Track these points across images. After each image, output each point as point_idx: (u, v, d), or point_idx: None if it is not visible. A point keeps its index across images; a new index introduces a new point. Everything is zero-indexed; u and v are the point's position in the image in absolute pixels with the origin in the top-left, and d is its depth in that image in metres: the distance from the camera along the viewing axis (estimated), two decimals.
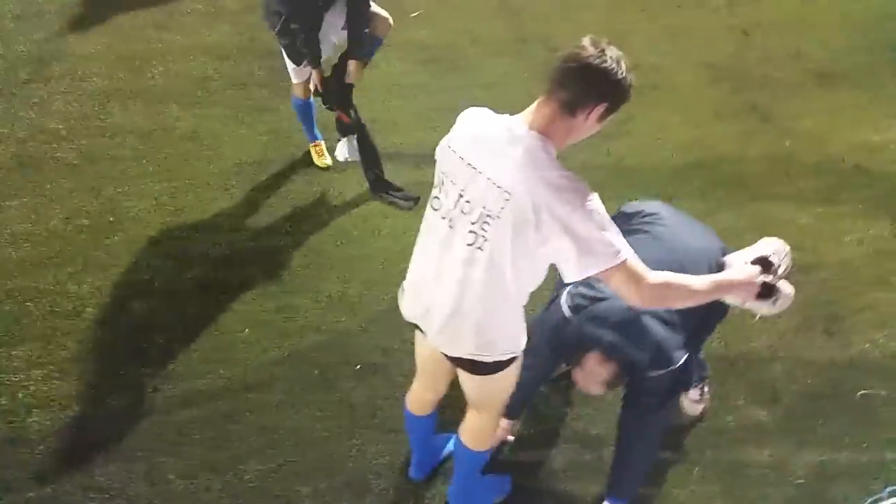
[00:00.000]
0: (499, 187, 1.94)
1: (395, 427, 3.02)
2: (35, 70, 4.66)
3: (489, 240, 1.98)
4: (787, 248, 2.52)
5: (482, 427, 2.51)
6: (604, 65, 1.92)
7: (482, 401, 2.43)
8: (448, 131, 2.11)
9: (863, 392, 3.38)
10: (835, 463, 3.12)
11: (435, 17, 5.79)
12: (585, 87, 1.92)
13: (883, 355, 3.57)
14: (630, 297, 1.96)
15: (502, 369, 2.22)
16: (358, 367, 3.27)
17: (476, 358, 2.17)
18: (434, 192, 2.13)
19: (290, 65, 3.88)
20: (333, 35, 3.80)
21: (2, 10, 5.10)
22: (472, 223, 2.00)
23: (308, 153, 4.30)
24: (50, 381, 3.10)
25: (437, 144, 2.09)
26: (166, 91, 4.63)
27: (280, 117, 4.53)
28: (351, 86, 3.88)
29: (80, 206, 3.81)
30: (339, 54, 3.85)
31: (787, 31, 6.23)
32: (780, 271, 2.41)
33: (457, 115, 2.15)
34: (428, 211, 2.15)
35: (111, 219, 3.77)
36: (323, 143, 4.29)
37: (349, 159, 4.05)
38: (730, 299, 2.40)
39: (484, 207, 1.97)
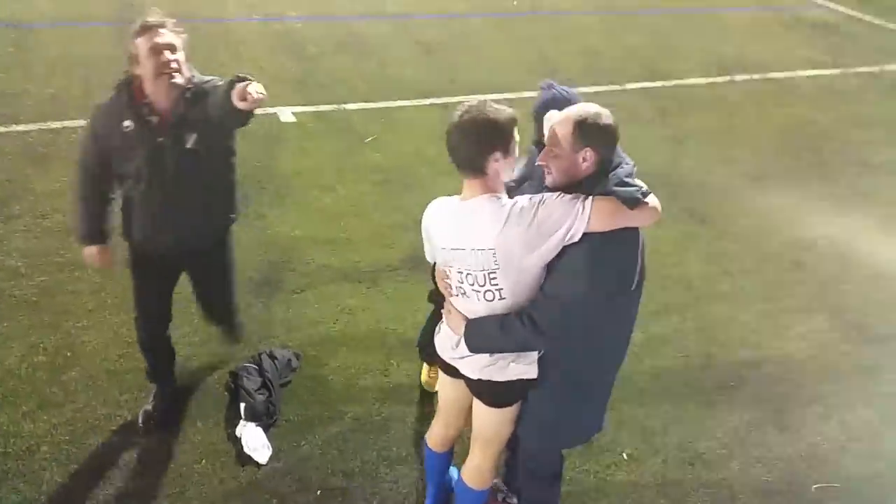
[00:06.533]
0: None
1: None
2: None
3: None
4: None
5: (481, 466, 2.78)
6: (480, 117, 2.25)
7: (488, 435, 2.69)
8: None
9: (817, 486, 3.45)
10: None
11: (387, 141, 6.13)
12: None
13: (833, 448, 3.67)
14: None
15: (512, 403, 2.58)
16: (318, 492, 3.25)
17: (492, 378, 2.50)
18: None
19: None
20: None
21: None
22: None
23: None
24: None
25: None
26: None
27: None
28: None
29: (38, 343, 3.82)
30: None
31: (717, 138, 6.70)
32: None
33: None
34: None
35: (68, 354, 3.77)
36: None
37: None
38: None
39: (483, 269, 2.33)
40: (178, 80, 2.82)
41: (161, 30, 2.80)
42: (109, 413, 3.48)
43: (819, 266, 5.04)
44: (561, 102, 2.64)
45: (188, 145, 2.90)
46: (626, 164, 2.35)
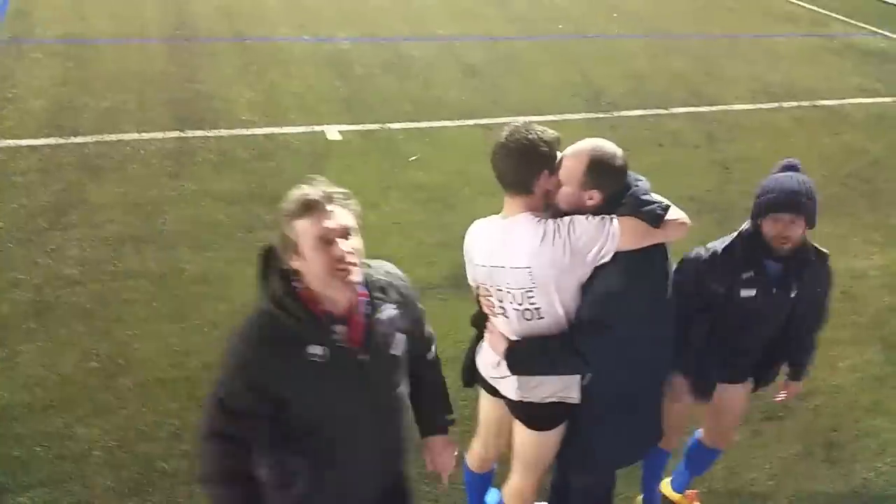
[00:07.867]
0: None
1: None
2: (53, 218, 4.92)
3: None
4: None
5: (522, 489, 2.75)
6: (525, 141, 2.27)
7: (528, 459, 2.66)
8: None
9: None
10: None
11: (431, 160, 6.18)
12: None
13: (887, 484, 3.57)
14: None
15: (553, 426, 2.54)
16: None
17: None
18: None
19: None
20: None
21: (27, 164, 5.45)
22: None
23: None
24: None
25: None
26: (177, 236, 4.86)
27: None
28: None
29: (91, 350, 3.92)
30: None
31: (765, 164, 6.48)
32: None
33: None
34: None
35: (121, 361, 3.86)
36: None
37: None
38: None
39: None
40: (356, 277, 1.98)
41: (329, 207, 1.93)
42: (159, 420, 3.55)
43: (870, 297, 4.92)
44: (798, 203, 2.62)
45: (393, 351, 2.08)
46: (639, 181, 2.36)
